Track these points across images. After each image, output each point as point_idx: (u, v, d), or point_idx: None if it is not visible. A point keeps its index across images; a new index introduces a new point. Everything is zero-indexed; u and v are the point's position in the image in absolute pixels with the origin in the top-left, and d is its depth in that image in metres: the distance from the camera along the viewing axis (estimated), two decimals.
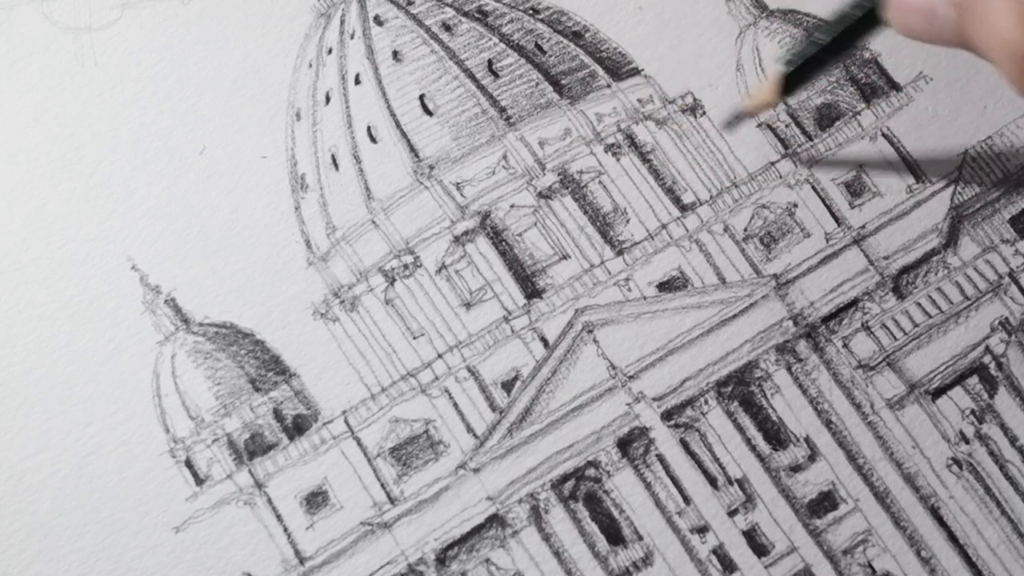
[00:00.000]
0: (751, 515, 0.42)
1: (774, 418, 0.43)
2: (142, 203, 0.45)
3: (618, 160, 0.46)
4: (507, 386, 0.44)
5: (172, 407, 0.43)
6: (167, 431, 0.42)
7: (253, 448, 0.43)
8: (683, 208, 0.45)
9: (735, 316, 0.44)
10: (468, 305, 0.44)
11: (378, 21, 0.48)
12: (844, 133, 0.46)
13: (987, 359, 0.43)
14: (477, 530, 0.42)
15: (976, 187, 0.45)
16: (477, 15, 0.48)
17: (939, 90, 0.45)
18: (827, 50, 0.39)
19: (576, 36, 0.47)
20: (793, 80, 0.39)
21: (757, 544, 0.42)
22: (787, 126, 0.46)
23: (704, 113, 0.46)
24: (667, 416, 0.43)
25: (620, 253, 0.45)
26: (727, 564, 0.42)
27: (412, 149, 0.46)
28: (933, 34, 0.34)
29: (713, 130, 0.46)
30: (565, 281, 0.45)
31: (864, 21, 0.38)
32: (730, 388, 0.43)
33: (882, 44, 0.47)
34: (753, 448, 0.43)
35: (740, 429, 0.43)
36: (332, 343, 0.43)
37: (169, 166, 0.45)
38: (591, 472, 0.43)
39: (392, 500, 0.42)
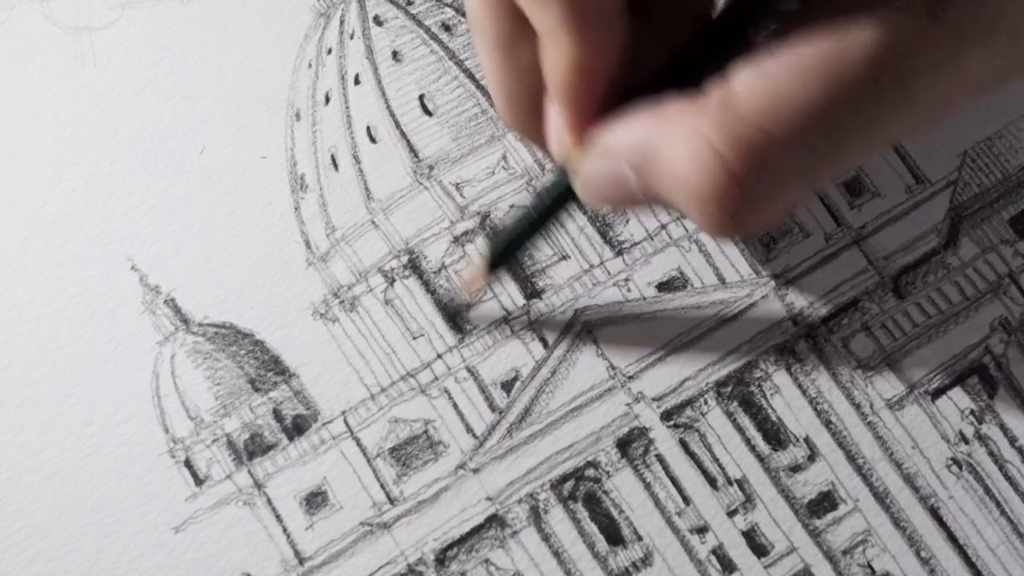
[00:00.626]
0: (750, 515, 0.42)
1: (773, 418, 0.43)
2: (142, 203, 0.45)
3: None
4: (506, 386, 0.43)
5: (172, 407, 0.43)
6: (167, 431, 0.42)
7: (253, 448, 0.43)
8: None
9: (734, 316, 0.43)
10: (468, 305, 0.44)
11: (378, 21, 0.48)
12: None
13: (987, 359, 0.43)
14: (476, 530, 0.42)
15: (975, 187, 0.44)
16: None
17: None
18: (527, 230, 0.39)
19: None
20: (497, 261, 0.39)
21: (756, 544, 0.42)
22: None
23: None
24: (666, 416, 0.43)
25: (619, 253, 0.45)
26: (726, 564, 0.41)
27: (412, 149, 0.46)
28: (626, 198, 0.34)
29: None
30: (564, 281, 0.44)
31: (558, 201, 0.37)
32: (729, 388, 0.43)
33: None
34: (752, 448, 0.43)
35: (739, 429, 0.43)
36: (332, 343, 0.43)
37: (169, 166, 0.45)
38: (590, 472, 0.42)
39: (391, 500, 0.42)
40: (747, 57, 0.29)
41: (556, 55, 0.33)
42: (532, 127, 0.37)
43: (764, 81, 0.29)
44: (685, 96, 0.31)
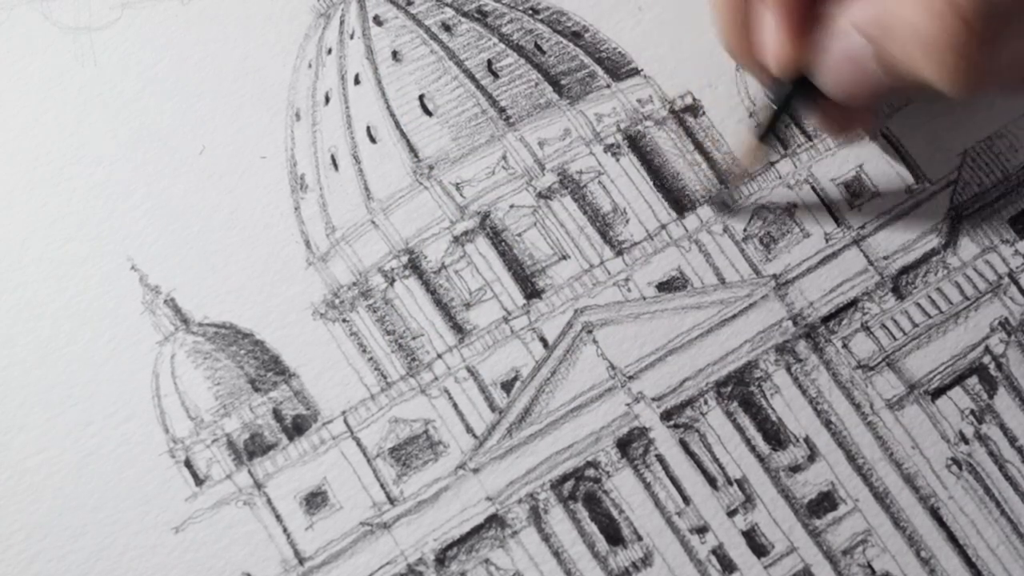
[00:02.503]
0: (750, 515, 0.42)
1: (773, 418, 0.43)
2: (142, 203, 0.45)
3: (618, 160, 0.46)
4: (506, 386, 0.43)
5: (172, 407, 0.43)
6: (167, 431, 0.43)
7: (252, 448, 0.43)
8: (682, 208, 0.45)
9: (734, 316, 0.43)
10: (468, 305, 0.44)
11: (377, 21, 0.48)
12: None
13: (986, 359, 0.43)
14: (476, 530, 0.42)
15: (975, 187, 0.44)
16: (477, 15, 0.48)
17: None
18: (779, 113, 0.42)
19: (576, 36, 0.47)
20: (766, 133, 0.43)
21: (756, 544, 0.42)
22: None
23: (704, 113, 0.46)
24: (666, 416, 0.43)
25: (619, 253, 0.45)
26: (726, 564, 0.41)
27: (411, 149, 0.46)
28: (866, 77, 0.36)
29: (712, 130, 0.46)
30: (564, 281, 0.44)
31: (800, 95, 0.40)
32: (729, 388, 0.43)
33: None
34: (752, 448, 0.43)
35: (739, 429, 0.43)
36: (332, 343, 0.44)
37: (169, 166, 0.46)
38: (590, 472, 0.42)
39: (391, 500, 0.42)
40: None
41: None
42: (748, 46, 0.39)
43: None
44: None
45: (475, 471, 0.42)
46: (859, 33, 0.34)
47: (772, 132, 0.42)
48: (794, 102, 0.40)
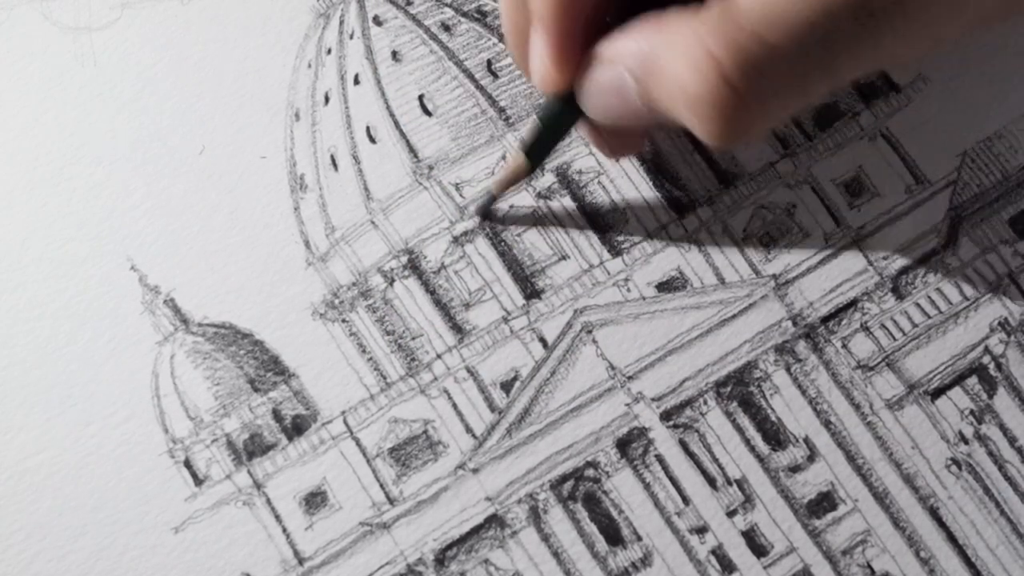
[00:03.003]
0: (750, 515, 0.42)
1: (773, 418, 0.43)
2: (142, 203, 0.45)
3: (617, 160, 0.46)
4: (506, 386, 0.43)
5: (171, 407, 0.43)
6: (166, 431, 0.42)
7: (252, 448, 0.43)
8: (682, 209, 0.45)
9: (734, 316, 0.44)
10: (467, 305, 0.44)
11: (377, 21, 0.48)
12: (843, 133, 0.46)
13: (986, 359, 0.43)
14: (476, 530, 0.42)
15: (975, 187, 0.45)
16: (476, 15, 0.48)
17: (937, 91, 0.46)
18: (552, 132, 0.41)
19: None
20: (535, 156, 0.42)
21: (756, 544, 0.42)
22: (786, 126, 0.46)
23: None
24: (666, 416, 0.43)
25: (619, 254, 0.45)
26: (726, 564, 0.41)
27: (411, 149, 0.46)
28: (627, 109, 0.35)
29: None
30: (564, 281, 0.44)
31: (566, 113, 0.39)
32: (729, 388, 0.43)
33: None
34: (752, 448, 0.43)
35: (739, 429, 0.43)
36: (331, 343, 0.44)
37: (169, 166, 0.45)
38: (590, 472, 0.42)
39: (391, 500, 0.42)
40: None
41: None
42: (527, 61, 0.38)
43: None
44: (687, 9, 0.32)
45: (474, 471, 0.42)
46: (622, 67, 0.34)
47: (539, 147, 0.42)
48: (563, 119, 0.40)
